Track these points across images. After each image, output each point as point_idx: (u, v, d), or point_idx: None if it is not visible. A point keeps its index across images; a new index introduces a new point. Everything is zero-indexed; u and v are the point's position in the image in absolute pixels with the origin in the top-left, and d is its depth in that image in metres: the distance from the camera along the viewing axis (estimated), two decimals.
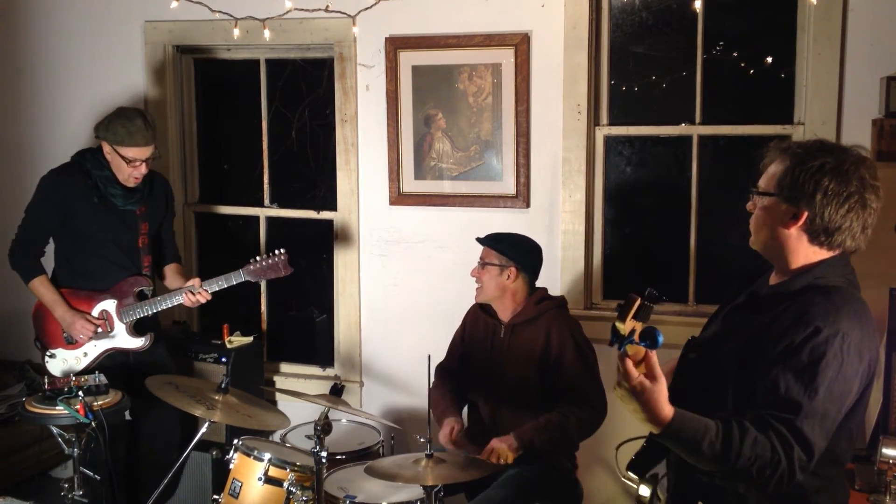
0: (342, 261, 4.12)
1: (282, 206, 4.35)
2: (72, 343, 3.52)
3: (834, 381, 1.78)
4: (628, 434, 2.28)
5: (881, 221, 1.96)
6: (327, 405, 2.74)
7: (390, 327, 4.06)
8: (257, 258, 3.48)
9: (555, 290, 3.54)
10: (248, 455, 2.98)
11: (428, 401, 2.81)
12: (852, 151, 1.91)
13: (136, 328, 3.55)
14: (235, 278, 3.47)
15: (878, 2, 3.30)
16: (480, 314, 3.25)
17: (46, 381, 3.08)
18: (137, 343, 3.55)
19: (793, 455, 1.74)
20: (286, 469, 2.90)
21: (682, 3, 3.62)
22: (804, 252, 1.93)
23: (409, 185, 3.94)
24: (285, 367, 4.35)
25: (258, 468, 2.93)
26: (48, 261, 3.62)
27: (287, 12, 3.82)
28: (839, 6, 3.32)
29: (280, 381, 4.27)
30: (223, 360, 3.74)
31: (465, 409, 3.27)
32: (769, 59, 3.62)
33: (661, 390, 1.73)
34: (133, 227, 3.56)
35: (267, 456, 2.93)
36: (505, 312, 3.17)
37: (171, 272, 3.75)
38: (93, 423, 2.95)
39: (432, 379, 3.28)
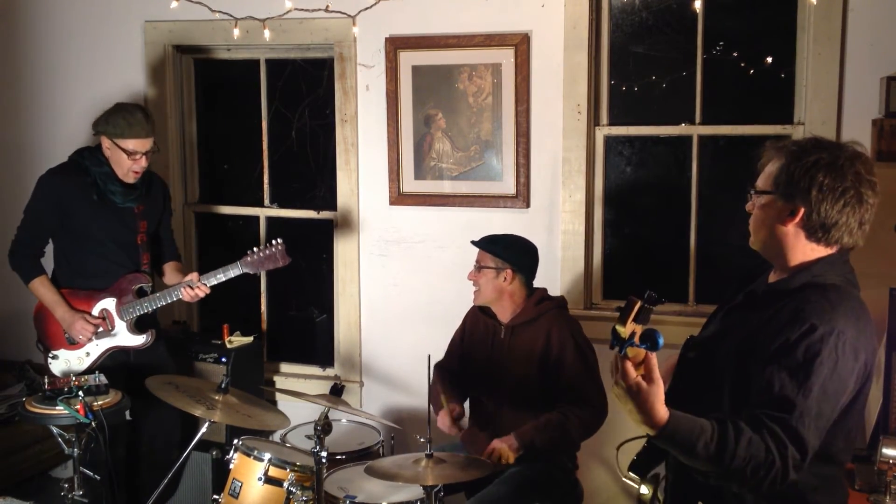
0: (342, 261, 4.12)
1: (282, 206, 4.35)
2: (74, 343, 3.52)
3: (828, 379, 1.78)
4: (629, 434, 2.28)
5: (881, 221, 1.96)
6: (327, 405, 2.74)
7: (390, 327, 4.06)
8: (254, 249, 3.47)
9: (555, 291, 3.54)
10: (248, 455, 2.98)
11: (428, 398, 2.82)
12: (847, 147, 1.92)
13: (137, 326, 3.56)
14: (234, 271, 3.47)
15: (878, 2, 3.30)
16: (480, 315, 3.25)
17: (46, 381, 3.08)
18: (139, 340, 3.55)
19: (787, 454, 1.74)
20: (286, 469, 2.90)
21: (682, 3, 3.62)
22: (802, 249, 1.94)
23: (409, 185, 3.94)
24: (285, 367, 4.35)
25: (258, 468, 2.93)
26: (47, 261, 3.62)
27: (287, 12, 3.82)
28: (839, 6, 3.32)
29: (280, 381, 4.27)
30: (223, 360, 3.74)
31: (467, 410, 3.27)
32: (769, 59, 3.62)
33: (658, 392, 1.72)
34: (132, 224, 3.56)
35: (267, 456, 2.93)
36: (504, 314, 3.17)
37: (170, 270, 3.76)
38: (93, 423, 2.95)
39: (432, 376, 3.29)
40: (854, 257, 2.00)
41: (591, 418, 2.99)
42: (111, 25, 4.30)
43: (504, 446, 2.87)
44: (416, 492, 2.79)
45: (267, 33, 3.86)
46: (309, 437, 3.19)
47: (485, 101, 3.79)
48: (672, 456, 2.06)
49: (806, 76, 3.44)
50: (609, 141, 3.81)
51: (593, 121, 3.75)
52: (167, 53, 4.24)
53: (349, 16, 3.88)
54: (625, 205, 3.86)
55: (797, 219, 1.90)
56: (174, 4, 3.67)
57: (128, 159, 3.43)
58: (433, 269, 3.95)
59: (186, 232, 4.42)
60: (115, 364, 3.52)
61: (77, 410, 2.93)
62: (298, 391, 3.15)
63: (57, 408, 2.96)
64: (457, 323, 3.37)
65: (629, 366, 1.71)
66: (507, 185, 3.80)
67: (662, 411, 1.74)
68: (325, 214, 4.20)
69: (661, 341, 1.66)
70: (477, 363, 3.22)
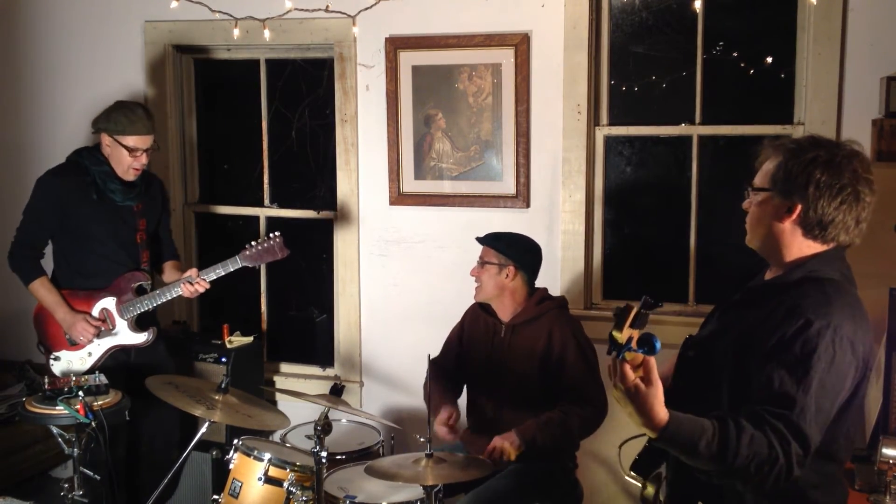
0: (342, 261, 4.12)
1: (282, 206, 4.35)
2: (75, 344, 3.52)
3: (826, 373, 1.79)
4: (629, 433, 2.28)
5: (881, 221, 1.97)
6: (327, 405, 2.74)
7: (390, 327, 4.06)
8: (252, 243, 3.49)
9: (555, 290, 3.54)
10: (248, 455, 2.98)
11: (424, 394, 2.81)
12: (845, 146, 1.93)
13: (138, 324, 3.56)
14: (232, 265, 3.47)
15: (878, 2, 3.30)
16: (480, 313, 3.25)
17: (46, 381, 3.08)
18: (141, 338, 3.56)
19: (790, 450, 1.74)
20: (286, 469, 2.90)
21: (682, 3, 3.62)
22: (798, 246, 1.94)
23: (409, 185, 3.94)
24: (285, 367, 4.35)
25: (258, 468, 2.93)
26: (46, 262, 3.62)
27: (287, 12, 3.82)
28: (839, 6, 3.32)
29: (280, 381, 4.27)
30: (223, 360, 3.74)
31: (465, 409, 3.27)
32: (769, 59, 3.62)
33: (657, 394, 1.72)
34: (131, 223, 3.56)
35: (267, 456, 2.93)
36: (505, 312, 3.17)
37: (169, 268, 3.76)
38: (93, 423, 2.94)
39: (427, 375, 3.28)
40: (854, 257, 2.00)
41: (592, 417, 2.99)
42: (111, 25, 4.30)
43: (506, 443, 2.87)
44: (416, 492, 2.79)
45: (267, 33, 3.86)
46: (309, 437, 3.18)
47: (485, 101, 3.79)
48: (673, 456, 2.06)
49: (806, 76, 3.44)
50: (609, 141, 3.81)
51: (593, 121, 3.75)
52: (167, 53, 4.24)
53: (349, 16, 3.88)
54: (625, 205, 3.85)
55: (794, 215, 1.91)
56: (174, 4, 3.67)
57: (128, 156, 3.43)
58: (433, 269, 3.95)
59: (186, 232, 4.42)
60: (115, 364, 3.52)
61: (77, 410, 2.93)
62: (298, 391, 3.15)
63: (57, 408, 2.96)
64: (456, 322, 3.37)
65: (627, 369, 1.71)
66: (507, 185, 3.80)
67: (662, 413, 1.74)
68: (324, 214, 4.20)
69: (659, 345, 1.66)
70: (476, 362, 3.22)
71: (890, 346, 2.67)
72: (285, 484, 2.87)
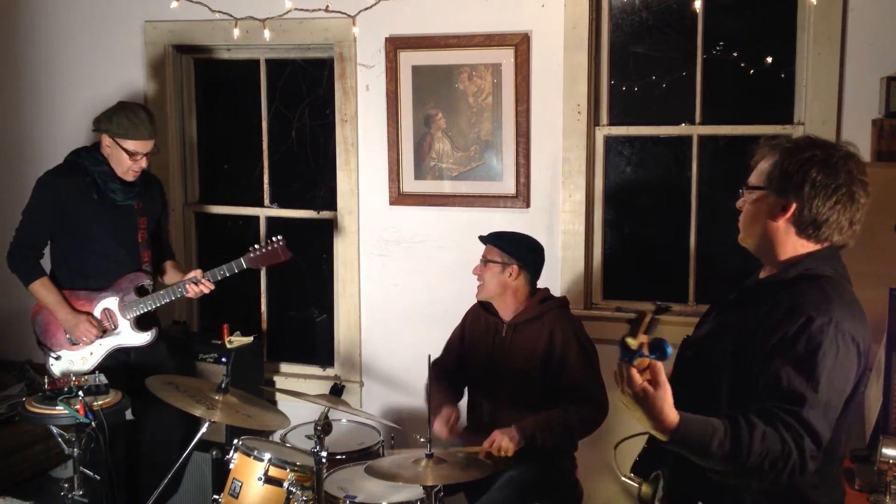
0: (342, 261, 4.12)
1: (282, 206, 4.35)
2: (76, 343, 3.52)
3: (833, 368, 1.79)
4: (627, 431, 2.28)
5: (881, 221, 1.97)
6: (327, 405, 2.74)
7: (390, 327, 4.06)
8: (256, 246, 3.53)
9: (555, 290, 3.54)
10: (248, 455, 2.97)
11: (426, 396, 2.81)
12: (841, 147, 1.94)
13: (139, 324, 3.56)
14: (237, 267, 3.50)
15: (878, 2, 3.30)
16: (481, 312, 3.25)
17: (46, 381, 3.08)
18: (144, 339, 3.56)
19: (804, 445, 1.74)
20: (286, 469, 2.90)
21: (682, 3, 3.62)
22: (792, 245, 1.95)
23: (409, 185, 3.94)
24: (285, 367, 4.35)
25: (258, 468, 2.92)
26: (44, 262, 3.61)
27: (287, 12, 3.82)
28: (839, 6, 3.32)
29: (280, 381, 4.27)
30: (223, 360, 3.74)
31: (466, 409, 3.27)
32: (769, 59, 3.62)
33: (666, 396, 1.71)
34: (132, 222, 3.56)
35: (267, 456, 2.93)
36: (506, 311, 3.17)
37: (170, 268, 3.77)
38: (93, 423, 2.95)
39: (429, 377, 3.28)
40: (854, 257, 2.00)
41: (592, 417, 2.99)
42: (111, 25, 4.30)
43: (505, 437, 2.87)
44: (416, 492, 2.78)
45: (267, 33, 3.86)
46: (309, 437, 3.18)
47: (485, 101, 3.79)
48: (671, 456, 2.06)
49: (806, 76, 3.44)
50: (609, 141, 3.81)
51: (593, 121, 3.75)
52: (167, 53, 4.24)
53: (349, 16, 3.88)
54: (625, 205, 3.85)
55: (788, 214, 1.92)
56: (174, 4, 3.67)
57: (128, 159, 3.43)
58: (433, 269, 3.95)
59: (186, 232, 4.42)
60: (114, 363, 3.52)
61: (77, 410, 2.93)
62: (298, 391, 3.15)
63: (57, 408, 2.96)
64: (456, 323, 3.37)
65: (634, 373, 1.70)
66: (507, 185, 3.80)
67: (672, 415, 1.73)
68: (325, 214, 4.20)
69: (670, 350, 1.66)
70: (477, 361, 3.22)
71: (890, 346, 2.66)
72: (285, 484, 2.87)
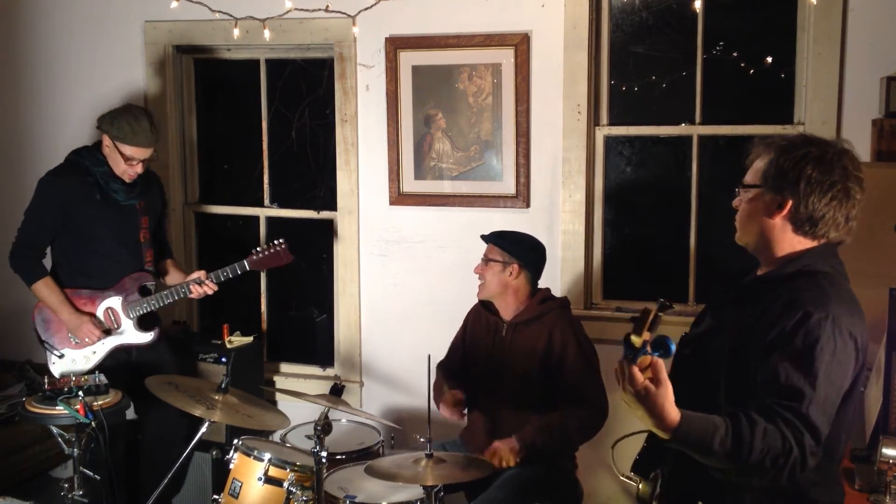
0: (342, 261, 4.12)
1: (282, 206, 4.35)
2: (79, 342, 3.53)
3: (830, 364, 1.79)
4: (625, 430, 2.28)
5: (881, 221, 1.97)
6: (327, 405, 2.74)
7: (390, 327, 4.06)
8: (258, 249, 3.56)
9: (555, 290, 3.54)
10: (248, 455, 2.97)
11: (428, 398, 2.81)
12: (835, 143, 1.94)
13: (142, 323, 3.57)
14: (240, 269, 3.53)
15: (878, 2, 3.30)
16: (482, 312, 3.26)
17: (46, 381, 3.08)
18: (147, 338, 3.57)
19: (804, 441, 1.74)
20: (286, 469, 2.90)
21: (682, 3, 3.62)
22: (789, 242, 1.95)
23: (409, 185, 3.94)
24: (285, 367, 4.35)
25: (258, 468, 2.92)
26: (46, 261, 3.61)
27: (287, 12, 3.82)
28: (839, 6, 3.32)
29: (280, 381, 4.27)
30: (223, 360, 3.74)
31: (466, 409, 3.27)
32: (769, 59, 3.62)
33: (667, 394, 1.71)
34: (135, 221, 3.57)
35: (267, 456, 2.93)
36: (507, 310, 3.17)
37: (172, 268, 3.79)
38: (93, 423, 2.95)
39: (432, 376, 3.28)
40: (854, 257, 2.00)
41: (591, 419, 2.99)
42: (111, 25, 4.30)
43: (505, 448, 2.87)
44: (416, 492, 2.78)
45: (267, 33, 3.86)
46: (309, 437, 3.18)
47: (485, 101, 3.79)
48: (670, 455, 2.06)
49: (806, 76, 3.44)
50: (609, 141, 3.81)
51: (593, 121, 3.75)
52: (167, 53, 4.24)
53: (349, 16, 3.88)
54: (625, 205, 3.85)
55: (785, 211, 1.92)
56: (174, 4, 3.67)
57: (124, 163, 3.44)
58: (433, 269, 3.95)
59: (186, 232, 4.42)
60: (115, 363, 3.53)
61: (77, 410, 2.93)
62: (298, 391, 3.15)
63: (57, 408, 2.96)
64: (457, 322, 3.37)
65: (636, 371, 1.70)
66: (507, 185, 3.80)
67: (674, 413, 1.73)
68: (325, 214, 4.20)
69: (674, 347, 1.66)
70: (478, 360, 3.22)
71: (890, 345, 2.66)
72: (285, 484, 2.87)
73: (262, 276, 4.39)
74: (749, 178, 2.01)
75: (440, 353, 3.36)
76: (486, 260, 3.17)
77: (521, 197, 3.77)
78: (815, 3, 3.28)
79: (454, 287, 3.81)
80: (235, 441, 3.08)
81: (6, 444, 3.80)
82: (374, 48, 3.90)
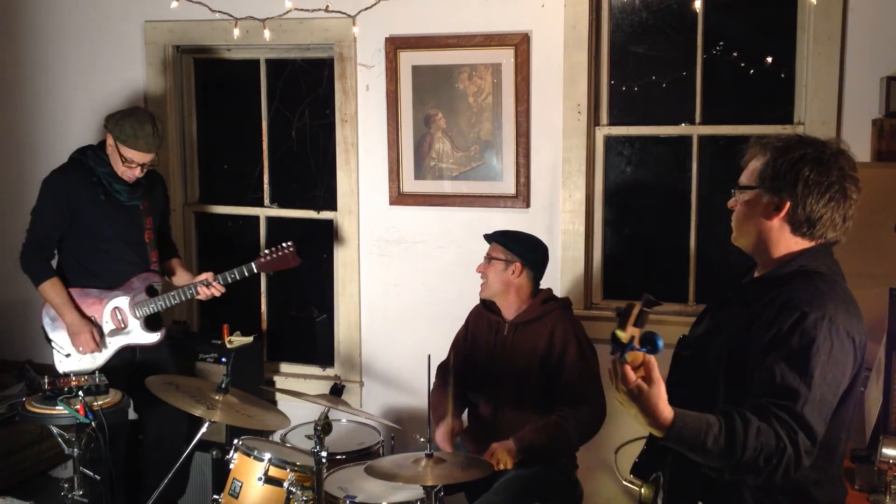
0: (342, 261, 4.12)
1: (282, 206, 4.35)
2: (76, 348, 3.54)
3: (826, 364, 1.79)
4: (628, 436, 2.28)
5: (881, 221, 1.97)
6: (327, 405, 2.74)
7: (390, 327, 4.06)
8: (266, 251, 3.58)
9: (555, 290, 3.54)
10: (248, 455, 2.97)
11: (428, 400, 2.81)
12: (831, 144, 1.95)
13: (148, 323, 3.58)
14: (248, 271, 3.55)
15: (878, 2, 3.30)
16: (484, 311, 3.26)
17: (46, 381, 3.08)
18: (153, 338, 3.59)
19: (798, 440, 1.74)
20: (286, 469, 2.90)
21: (682, 3, 3.62)
22: (786, 243, 1.96)
23: (409, 185, 3.94)
24: (285, 367, 4.35)
25: (258, 468, 2.92)
26: (54, 261, 3.62)
27: (287, 12, 3.82)
28: (839, 6, 3.32)
29: (280, 381, 4.27)
30: (223, 360, 3.74)
31: (467, 409, 3.27)
32: (769, 59, 3.62)
33: (660, 393, 1.72)
34: (139, 222, 3.59)
35: (267, 456, 2.93)
36: (509, 310, 3.18)
37: (178, 267, 3.81)
38: (93, 423, 2.94)
39: (433, 378, 3.28)
40: (854, 257, 2.01)
41: (590, 421, 2.99)
42: (111, 25, 4.30)
43: (503, 451, 2.87)
44: (416, 492, 2.78)
45: (267, 33, 3.86)
46: (309, 437, 3.19)
47: (485, 101, 3.79)
48: (671, 457, 2.06)
49: (806, 76, 3.44)
50: (609, 141, 3.81)
51: (593, 121, 3.75)
52: (167, 53, 4.24)
53: (349, 16, 3.88)
54: (625, 205, 3.85)
55: (783, 213, 1.93)
56: (174, 4, 3.67)
57: (122, 164, 3.45)
58: (433, 269, 3.95)
59: (186, 232, 4.42)
60: (121, 361, 3.56)
61: (77, 410, 2.93)
62: (298, 391, 3.14)
63: (57, 408, 2.96)
64: (457, 323, 3.37)
65: (628, 370, 1.70)
66: (507, 185, 3.80)
67: (667, 411, 1.73)
68: (325, 214, 4.20)
69: (661, 343, 1.66)
70: (479, 359, 3.22)
71: (890, 345, 2.66)
72: (285, 484, 2.87)
73: (262, 276, 4.38)
74: (745, 179, 2.01)
75: (440, 353, 3.36)
76: (489, 258, 3.18)
77: (521, 197, 3.77)
78: (815, 3, 3.28)
79: (454, 287, 3.81)
80: (235, 441, 3.08)
81: (6, 444, 3.80)
82: (374, 48, 3.90)
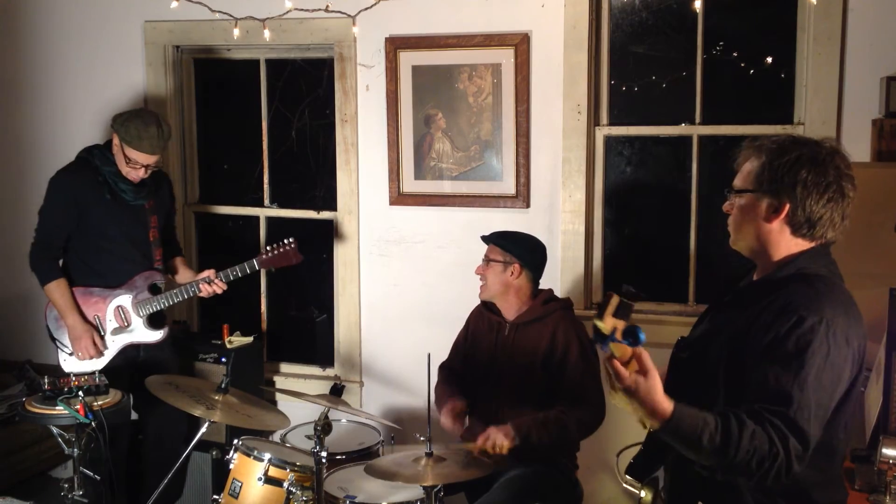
0: (342, 261, 4.12)
1: (282, 206, 4.35)
2: (75, 352, 3.55)
3: (822, 369, 1.79)
4: (630, 439, 2.28)
5: (881, 221, 1.97)
6: (327, 405, 2.74)
7: (390, 327, 4.06)
8: (268, 248, 3.59)
9: (555, 291, 3.54)
10: (248, 455, 2.97)
11: (428, 398, 2.81)
12: (824, 143, 1.94)
13: (151, 322, 3.59)
14: (249, 268, 3.56)
15: (878, 2, 3.30)
16: (485, 312, 3.26)
17: (46, 381, 3.08)
18: (157, 336, 3.60)
19: (789, 446, 1.75)
20: (286, 469, 2.90)
21: (682, 3, 3.62)
22: (786, 245, 1.95)
23: (409, 185, 3.94)
24: (285, 367, 4.35)
25: (258, 468, 2.92)
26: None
27: (287, 12, 3.82)
28: (839, 6, 3.32)
29: (280, 381, 4.27)
30: (223, 360, 3.75)
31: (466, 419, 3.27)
32: (769, 59, 3.62)
33: (656, 384, 1.73)
34: (144, 221, 3.60)
35: (267, 456, 2.93)
36: (509, 311, 3.18)
37: (181, 266, 3.82)
38: (93, 423, 2.94)
39: (434, 377, 3.29)
40: (854, 257, 2.01)
41: (589, 419, 2.99)
42: (111, 26, 4.30)
43: (500, 434, 2.86)
44: (416, 492, 2.78)
45: (267, 33, 3.86)
46: (309, 437, 3.18)
47: (485, 101, 3.79)
48: (670, 458, 2.06)
49: (806, 76, 3.44)
50: (609, 141, 3.81)
51: (593, 121, 3.75)
52: (167, 53, 4.24)
53: (349, 16, 3.88)
54: (625, 205, 3.86)
55: (782, 215, 1.92)
56: (174, 4, 3.67)
57: (126, 165, 3.46)
58: (433, 269, 3.95)
59: (186, 232, 4.42)
60: (125, 360, 3.58)
61: (77, 410, 2.93)
62: (298, 391, 3.14)
63: (57, 408, 2.96)
64: (457, 323, 3.37)
65: (618, 366, 1.72)
66: (507, 185, 3.80)
67: (665, 402, 1.74)
68: (325, 214, 4.20)
69: (643, 337, 1.67)
70: (480, 360, 3.22)
71: (890, 346, 2.66)
72: (285, 484, 2.87)
73: (262, 276, 4.39)
74: (740, 182, 2.00)
75: (440, 352, 3.36)
76: (487, 260, 3.18)
77: (521, 197, 3.77)
78: (815, 3, 3.28)
79: (454, 287, 3.81)
80: (235, 441, 3.08)
81: (6, 444, 3.80)
82: (374, 48, 3.90)
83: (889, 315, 2.64)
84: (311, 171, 4.32)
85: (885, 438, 2.44)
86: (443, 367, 3.35)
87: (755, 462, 1.74)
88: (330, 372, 4.26)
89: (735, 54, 3.67)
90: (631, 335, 1.68)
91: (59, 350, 3.60)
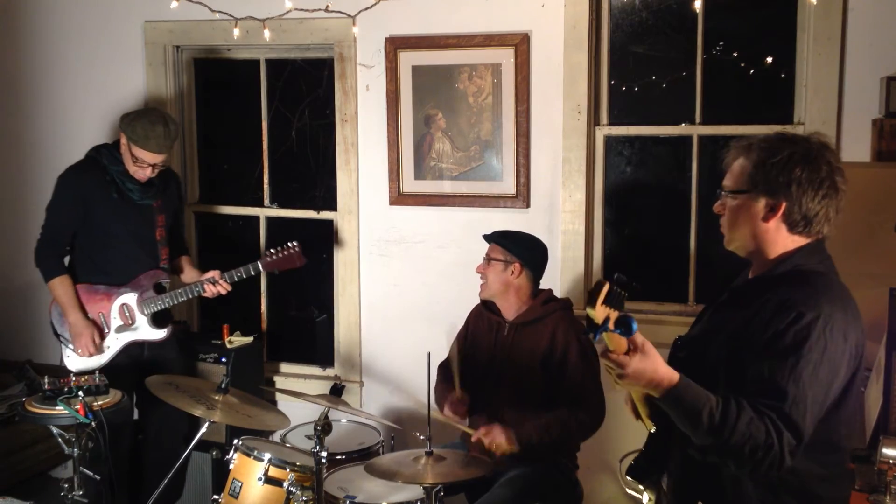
0: (342, 261, 4.12)
1: (282, 206, 4.35)
2: (75, 349, 3.55)
3: (819, 364, 1.80)
4: (630, 441, 2.28)
5: (881, 221, 1.97)
6: (327, 405, 2.74)
7: (390, 327, 4.06)
8: (272, 251, 3.60)
9: (555, 291, 3.54)
10: (248, 455, 2.97)
11: (428, 398, 2.81)
12: (812, 139, 1.95)
13: (155, 320, 3.59)
14: (253, 270, 3.58)
15: (878, 2, 3.30)
16: (484, 312, 3.26)
17: (46, 381, 3.08)
18: (160, 334, 3.62)
19: (783, 440, 1.76)
20: (286, 469, 2.90)
21: (682, 3, 3.62)
22: (783, 242, 1.96)
23: (409, 185, 3.94)
24: (285, 367, 4.35)
25: (258, 468, 2.93)
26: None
27: (287, 12, 3.82)
28: (839, 6, 3.32)
29: (280, 381, 4.27)
30: (223, 360, 3.75)
31: (468, 411, 3.27)
32: (769, 59, 3.62)
33: (654, 359, 1.76)
34: (151, 220, 3.61)
35: (267, 456, 2.93)
36: (509, 310, 3.18)
37: (186, 265, 3.83)
38: (93, 423, 2.94)
39: (434, 376, 3.29)
40: (854, 257, 2.01)
41: (589, 421, 2.99)
42: (111, 26, 4.30)
43: (502, 435, 2.87)
44: (416, 492, 2.78)
45: (267, 33, 3.86)
46: (309, 437, 3.19)
47: (485, 101, 3.79)
48: (673, 461, 2.06)
49: (806, 76, 3.44)
50: (609, 141, 3.81)
51: (593, 121, 3.75)
52: (167, 53, 4.24)
53: (349, 16, 3.88)
54: (625, 205, 3.86)
55: (778, 214, 1.93)
56: (174, 4, 3.67)
57: (133, 164, 3.47)
58: (433, 269, 3.95)
59: (187, 232, 4.41)
60: (129, 358, 3.59)
61: (77, 410, 2.93)
62: (298, 391, 3.15)
63: (57, 408, 2.96)
64: (457, 322, 3.38)
65: (618, 357, 1.73)
66: (507, 185, 3.80)
67: (669, 372, 1.77)
68: (325, 214, 4.20)
69: (636, 326, 1.68)
70: (479, 360, 3.22)
71: (890, 345, 2.66)
72: (285, 484, 2.87)
73: (263, 276, 4.39)
74: (732, 182, 1.99)
75: (440, 352, 3.36)
76: (488, 259, 3.18)
77: (521, 197, 3.77)
78: (815, 3, 3.28)
79: (454, 287, 3.81)
80: (235, 441, 3.08)
81: (6, 444, 3.80)
82: (374, 48, 3.90)
83: (889, 315, 2.64)
84: (311, 171, 4.32)
85: (885, 438, 2.44)
86: (442, 367, 3.35)
87: (748, 448, 1.76)
88: (330, 372, 4.26)
89: (735, 54, 3.67)
90: (623, 325, 1.68)
91: (62, 346, 3.62)
